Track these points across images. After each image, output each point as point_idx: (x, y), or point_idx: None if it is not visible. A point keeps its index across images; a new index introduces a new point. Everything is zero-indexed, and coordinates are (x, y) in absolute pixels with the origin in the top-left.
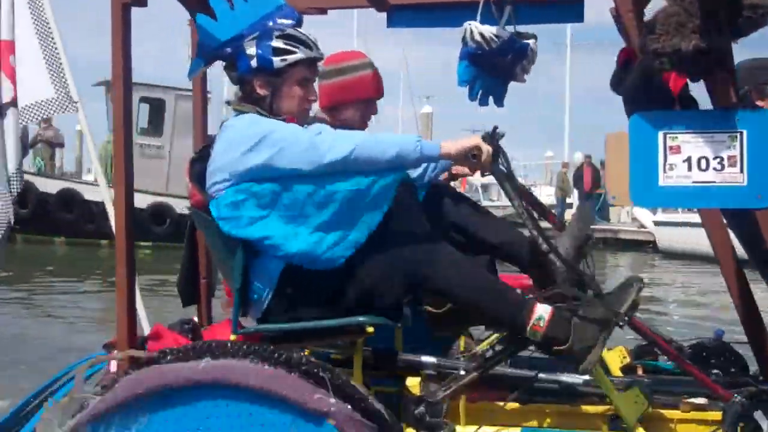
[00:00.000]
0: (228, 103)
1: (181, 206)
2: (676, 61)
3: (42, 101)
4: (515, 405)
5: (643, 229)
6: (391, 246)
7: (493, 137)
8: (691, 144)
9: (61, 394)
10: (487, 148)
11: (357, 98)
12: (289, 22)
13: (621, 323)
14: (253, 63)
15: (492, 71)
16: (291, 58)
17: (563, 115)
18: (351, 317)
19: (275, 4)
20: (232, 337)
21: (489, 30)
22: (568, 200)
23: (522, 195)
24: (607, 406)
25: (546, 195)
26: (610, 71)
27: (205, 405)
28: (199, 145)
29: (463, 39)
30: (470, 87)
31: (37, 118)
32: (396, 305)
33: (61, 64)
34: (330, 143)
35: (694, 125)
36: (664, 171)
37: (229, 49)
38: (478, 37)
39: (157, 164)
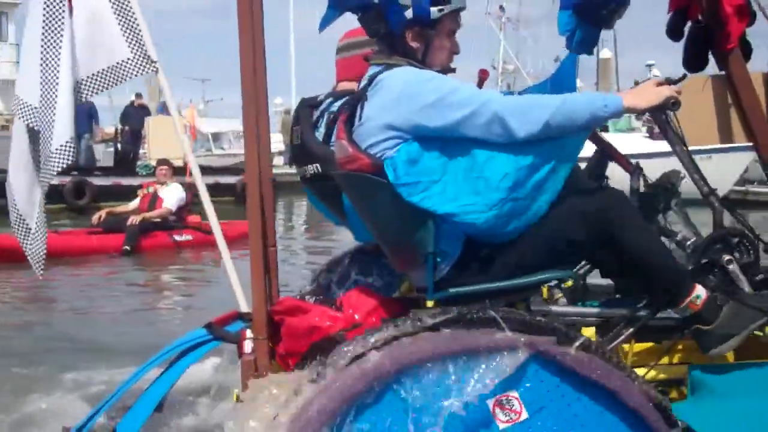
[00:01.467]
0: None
1: None
2: None
3: (116, 63)
4: (652, 344)
5: None
6: (576, 202)
7: (677, 83)
8: None
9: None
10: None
11: None
12: None
13: None
14: (408, 14)
15: (590, 19)
16: (448, 7)
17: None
18: (538, 274)
19: None
20: (429, 303)
21: None
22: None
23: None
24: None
25: (276, 141)
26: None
27: None
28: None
29: None
30: (569, 35)
31: (113, 84)
32: (575, 260)
33: (135, 19)
34: (520, 117)
35: None
36: None
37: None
38: None
39: None
